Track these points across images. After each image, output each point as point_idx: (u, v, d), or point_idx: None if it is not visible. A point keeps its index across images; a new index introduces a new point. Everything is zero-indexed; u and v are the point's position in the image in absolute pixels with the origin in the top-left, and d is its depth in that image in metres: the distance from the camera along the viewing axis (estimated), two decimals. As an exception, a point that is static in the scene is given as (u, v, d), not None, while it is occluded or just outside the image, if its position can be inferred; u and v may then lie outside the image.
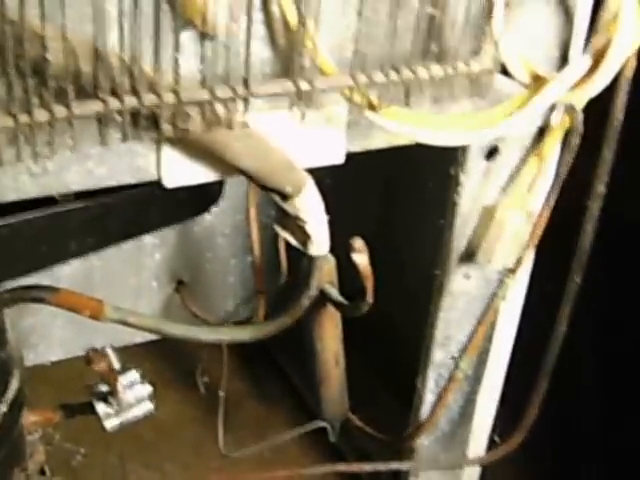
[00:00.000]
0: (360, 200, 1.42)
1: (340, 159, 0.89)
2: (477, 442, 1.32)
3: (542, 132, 0.98)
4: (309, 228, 0.89)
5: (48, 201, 0.82)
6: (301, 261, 1.00)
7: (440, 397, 1.11)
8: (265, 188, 0.85)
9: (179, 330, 1.05)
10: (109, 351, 1.15)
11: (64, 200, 0.82)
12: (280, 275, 1.17)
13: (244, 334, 1.07)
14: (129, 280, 1.67)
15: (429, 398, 1.20)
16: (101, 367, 1.00)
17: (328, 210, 1.08)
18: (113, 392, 1.06)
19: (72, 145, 0.69)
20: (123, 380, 1.11)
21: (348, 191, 1.43)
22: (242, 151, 0.79)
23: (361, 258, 1.04)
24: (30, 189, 0.75)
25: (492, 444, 1.32)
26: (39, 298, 0.98)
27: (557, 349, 1.11)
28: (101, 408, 1.11)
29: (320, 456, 1.56)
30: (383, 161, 0.99)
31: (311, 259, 0.95)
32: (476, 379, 1.22)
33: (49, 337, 1.63)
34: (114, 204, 0.89)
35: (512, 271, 1.03)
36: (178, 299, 1.69)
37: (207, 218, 1.67)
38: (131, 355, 1.69)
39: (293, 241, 0.92)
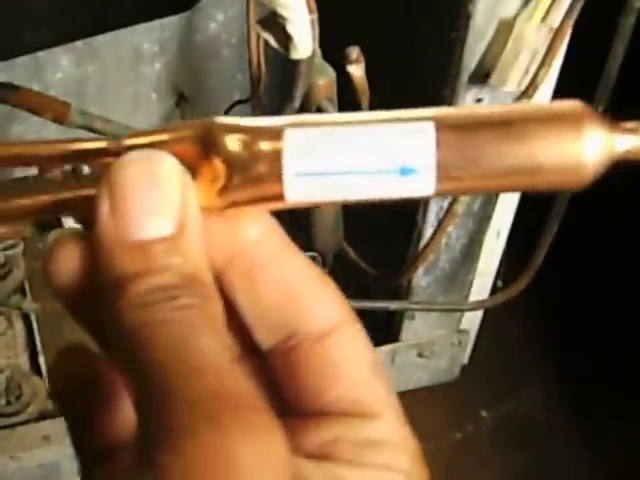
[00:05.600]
0: (363, 8, 1.26)
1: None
2: (479, 286, 1.23)
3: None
4: (289, 27, 0.77)
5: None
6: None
7: (436, 230, 1.01)
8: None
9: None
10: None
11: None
12: (262, 86, 1.04)
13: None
14: (126, 90, 1.55)
15: (429, 233, 1.11)
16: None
17: (323, 14, 0.96)
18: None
19: None
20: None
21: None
22: None
23: (357, 70, 0.93)
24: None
25: (495, 290, 1.23)
26: (-5, 96, 0.88)
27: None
28: (70, 224, 1.02)
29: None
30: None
31: (293, 65, 0.83)
32: (484, 217, 1.12)
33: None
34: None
35: (527, 94, 0.90)
36: (179, 114, 1.58)
37: (211, 26, 1.53)
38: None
39: (273, 42, 0.80)
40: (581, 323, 1.43)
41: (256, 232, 0.31)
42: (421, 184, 0.28)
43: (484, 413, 1.39)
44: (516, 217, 1.17)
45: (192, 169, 0.29)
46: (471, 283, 1.23)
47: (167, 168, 0.28)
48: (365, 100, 0.94)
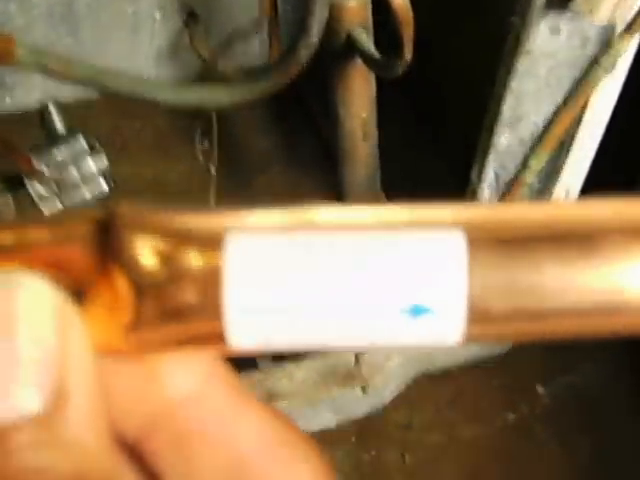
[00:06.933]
0: None
1: None
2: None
3: None
4: None
5: None
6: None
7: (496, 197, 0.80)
8: None
9: (126, 85, 0.73)
10: (51, 108, 0.86)
11: None
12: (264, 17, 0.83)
13: (220, 96, 0.76)
14: (123, 8, 1.33)
15: (485, 195, 0.89)
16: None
17: None
18: (33, 175, 0.77)
19: None
20: (65, 151, 0.83)
21: None
22: None
23: (397, -6, 0.70)
24: None
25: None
26: None
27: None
28: (35, 189, 0.83)
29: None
30: None
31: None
32: (549, 176, 0.90)
33: (27, 79, 1.32)
34: None
35: (629, 30, 0.67)
36: (188, 37, 1.36)
37: None
38: (136, 106, 1.39)
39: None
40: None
41: (189, 383, 0.20)
42: (442, 329, 0.17)
43: (540, 389, 1.21)
44: (589, 175, 0.94)
45: (83, 288, 0.18)
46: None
47: (33, 299, 0.17)
48: (407, 33, 0.71)
